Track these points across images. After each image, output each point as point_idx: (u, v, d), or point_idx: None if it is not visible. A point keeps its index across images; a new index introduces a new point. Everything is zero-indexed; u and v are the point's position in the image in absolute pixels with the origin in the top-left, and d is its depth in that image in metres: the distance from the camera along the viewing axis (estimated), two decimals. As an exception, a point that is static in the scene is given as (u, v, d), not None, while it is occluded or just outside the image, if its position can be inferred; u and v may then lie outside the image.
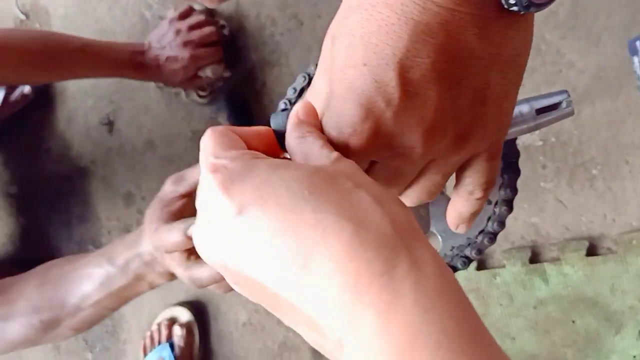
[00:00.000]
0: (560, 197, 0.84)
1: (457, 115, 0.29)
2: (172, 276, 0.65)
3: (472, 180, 0.34)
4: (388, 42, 0.27)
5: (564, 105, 0.43)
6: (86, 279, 0.68)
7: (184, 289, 1.13)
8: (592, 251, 0.82)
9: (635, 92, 0.80)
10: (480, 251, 0.58)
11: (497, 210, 0.56)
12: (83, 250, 1.25)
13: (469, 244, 0.58)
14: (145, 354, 1.14)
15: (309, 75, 0.50)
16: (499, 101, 0.30)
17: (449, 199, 0.58)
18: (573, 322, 0.83)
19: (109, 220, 1.22)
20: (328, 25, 0.30)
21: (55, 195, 1.27)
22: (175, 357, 1.10)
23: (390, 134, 0.28)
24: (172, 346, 1.11)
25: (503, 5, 0.26)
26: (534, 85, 0.85)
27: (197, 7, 1.06)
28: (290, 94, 0.54)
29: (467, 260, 0.58)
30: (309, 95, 0.34)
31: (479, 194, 0.35)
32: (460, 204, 0.36)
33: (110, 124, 1.20)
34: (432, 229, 0.59)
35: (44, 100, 1.25)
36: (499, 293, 0.86)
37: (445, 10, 0.26)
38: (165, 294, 1.13)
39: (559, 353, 0.83)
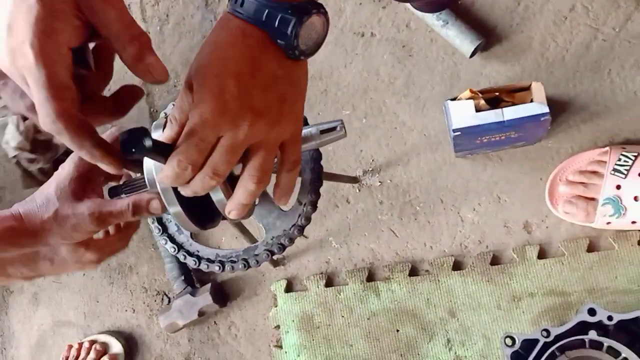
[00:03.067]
0: (393, 227, 1.03)
1: (270, 109, 0.47)
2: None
3: (286, 159, 0.51)
4: (231, 67, 0.46)
5: (338, 129, 0.62)
6: None
7: (109, 318, 1.18)
8: (413, 272, 1.00)
9: (449, 147, 1.02)
10: (292, 240, 0.75)
11: (305, 209, 0.75)
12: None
13: (284, 235, 0.75)
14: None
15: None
16: (293, 103, 0.49)
17: (269, 198, 0.77)
18: (397, 331, 0.99)
19: None
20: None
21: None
22: None
23: (232, 114, 0.46)
24: None
25: (289, 55, 0.47)
26: (375, 138, 1.06)
27: None
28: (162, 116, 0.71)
29: (282, 247, 0.75)
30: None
31: (291, 168, 0.51)
32: (282, 179, 0.51)
33: None
34: (259, 223, 0.76)
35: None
36: (342, 306, 1.02)
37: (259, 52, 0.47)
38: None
39: (386, 358, 0.99)
